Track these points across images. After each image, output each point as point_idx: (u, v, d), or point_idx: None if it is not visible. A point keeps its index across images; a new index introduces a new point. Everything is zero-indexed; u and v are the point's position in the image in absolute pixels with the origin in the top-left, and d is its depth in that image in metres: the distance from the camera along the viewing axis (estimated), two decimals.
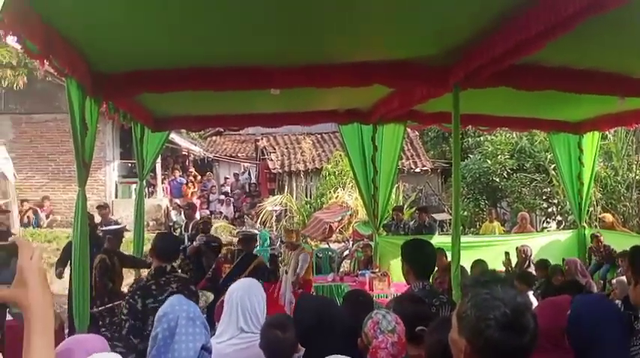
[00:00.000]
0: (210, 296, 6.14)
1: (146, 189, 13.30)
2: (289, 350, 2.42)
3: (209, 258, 7.01)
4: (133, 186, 14.32)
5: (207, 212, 17.59)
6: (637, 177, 11.17)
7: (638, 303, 2.72)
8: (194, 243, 7.11)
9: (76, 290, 4.58)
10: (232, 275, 5.31)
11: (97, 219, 8.56)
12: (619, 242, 7.69)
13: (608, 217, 9.36)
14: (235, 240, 14.18)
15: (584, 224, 9.04)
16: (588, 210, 9.54)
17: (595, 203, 10.91)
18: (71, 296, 4.65)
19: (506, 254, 7.23)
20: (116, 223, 9.09)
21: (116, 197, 15.46)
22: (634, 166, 11.35)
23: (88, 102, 4.68)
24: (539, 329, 1.38)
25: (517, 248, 7.43)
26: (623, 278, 5.58)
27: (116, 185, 15.64)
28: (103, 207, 8.93)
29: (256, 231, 8.02)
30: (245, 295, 2.65)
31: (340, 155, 15.16)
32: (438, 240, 7.90)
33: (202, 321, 2.35)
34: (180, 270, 5.98)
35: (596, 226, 9.77)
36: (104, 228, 7.46)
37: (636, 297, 2.73)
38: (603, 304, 2.49)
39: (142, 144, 7.60)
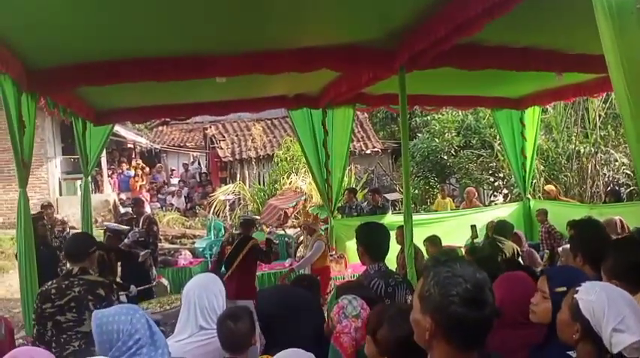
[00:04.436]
0: (134, 290, 6.07)
1: (92, 185, 12.88)
2: (243, 341, 2.43)
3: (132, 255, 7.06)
4: (78, 182, 13.82)
5: (158, 204, 17.23)
6: (576, 148, 11.65)
7: None
8: (126, 240, 7.10)
9: (24, 293, 4.41)
10: (231, 256, 5.88)
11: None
12: (562, 212, 8.05)
13: (551, 188, 9.75)
14: (188, 231, 14.18)
15: (529, 196, 9.44)
16: (532, 182, 9.94)
17: (538, 175, 11.34)
18: None
19: (473, 227, 7.32)
20: (62, 222, 8.93)
21: (60, 194, 14.87)
22: (573, 138, 11.82)
23: (24, 99, 4.48)
24: (512, 304, 1.41)
25: (488, 224, 7.46)
26: (568, 246, 5.84)
27: (60, 182, 15.05)
28: (47, 207, 8.53)
29: (256, 217, 8.73)
30: (202, 292, 2.61)
31: (291, 140, 15.10)
32: (392, 219, 8.04)
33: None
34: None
35: (539, 197, 10.18)
36: (106, 224, 7.99)
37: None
38: (576, 271, 2.60)
39: (84, 139, 7.32)
